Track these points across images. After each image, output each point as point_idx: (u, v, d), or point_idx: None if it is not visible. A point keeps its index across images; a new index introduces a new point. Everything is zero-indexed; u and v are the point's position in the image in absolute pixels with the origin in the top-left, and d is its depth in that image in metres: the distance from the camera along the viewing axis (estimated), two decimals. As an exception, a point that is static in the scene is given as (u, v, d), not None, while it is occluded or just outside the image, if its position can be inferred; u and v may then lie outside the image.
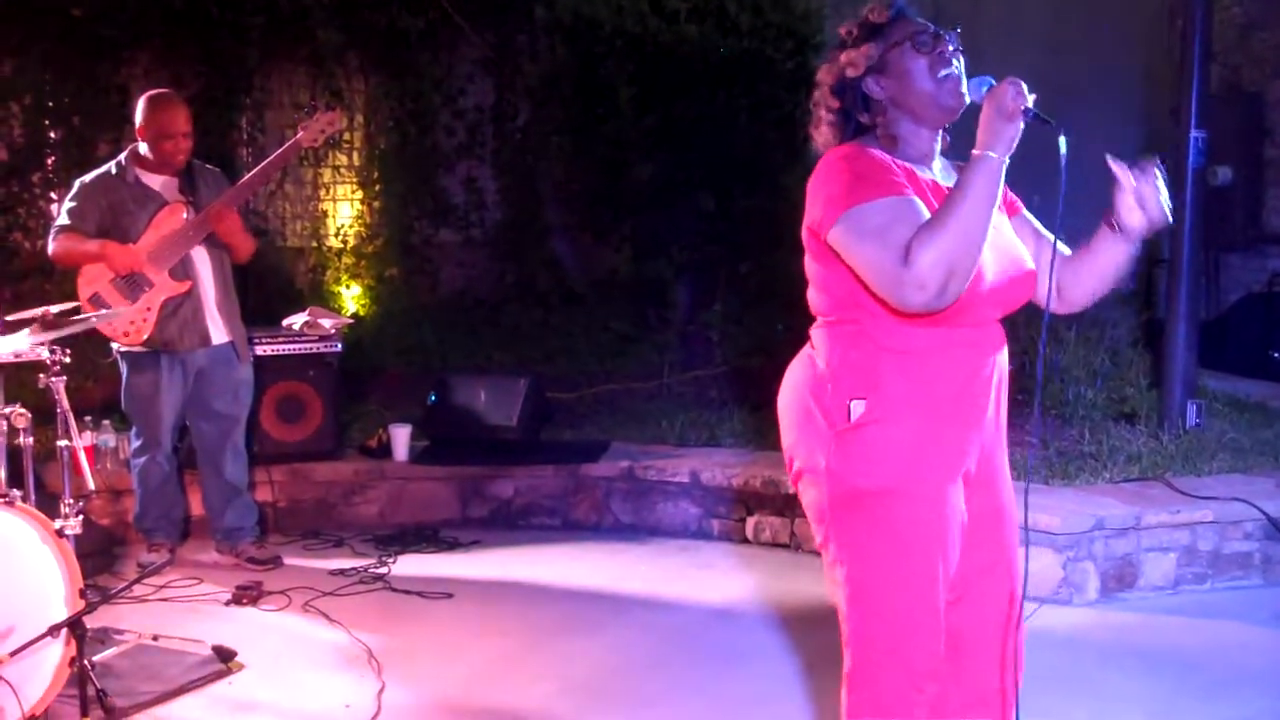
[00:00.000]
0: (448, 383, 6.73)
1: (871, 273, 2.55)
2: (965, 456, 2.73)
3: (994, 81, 2.60)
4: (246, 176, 5.68)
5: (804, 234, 2.73)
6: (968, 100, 2.65)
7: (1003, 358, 2.78)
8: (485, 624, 5.05)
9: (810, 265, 2.76)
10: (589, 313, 8.75)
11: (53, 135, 8.99)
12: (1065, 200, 2.63)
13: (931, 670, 2.71)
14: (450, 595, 5.37)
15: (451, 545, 6.08)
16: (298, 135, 5.54)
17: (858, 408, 2.65)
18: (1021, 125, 2.53)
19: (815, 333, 2.80)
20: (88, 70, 8.69)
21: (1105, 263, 2.85)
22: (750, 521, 6.10)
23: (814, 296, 2.79)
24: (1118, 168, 2.74)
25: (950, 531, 2.70)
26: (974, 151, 2.53)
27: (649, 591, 5.46)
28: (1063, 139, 2.57)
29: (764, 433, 6.60)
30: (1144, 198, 2.73)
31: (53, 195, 8.96)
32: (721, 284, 8.41)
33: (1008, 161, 2.52)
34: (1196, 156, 6.27)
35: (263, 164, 5.69)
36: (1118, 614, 5.09)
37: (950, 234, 2.45)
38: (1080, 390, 6.72)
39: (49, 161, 8.95)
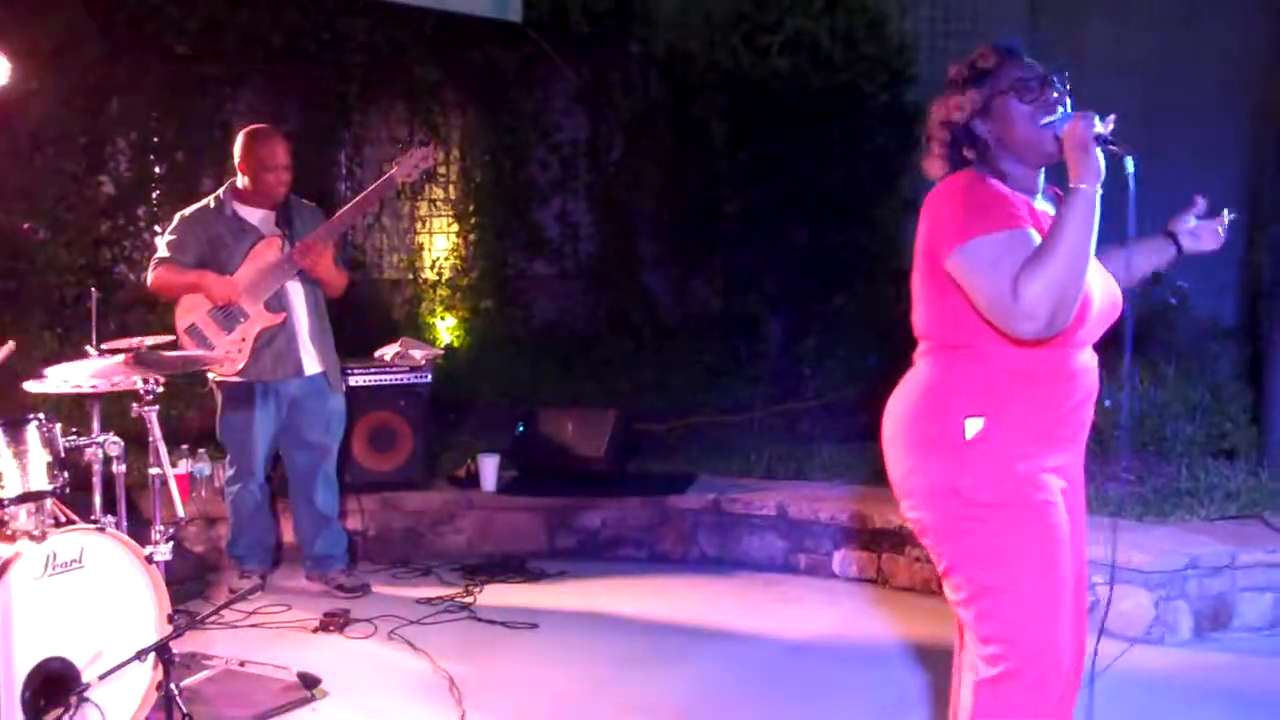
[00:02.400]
0: (536, 414, 6.78)
1: (986, 303, 2.68)
2: (1070, 469, 2.91)
3: (1072, 115, 2.70)
4: (340, 211, 5.77)
5: (918, 258, 2.85)
6: (1060, 133, 2.73)
7: (1096, 379, 2.91)
8: (568, 655, 5.05)
9: (922, 288, 2.88)
10: (680, 346, 8.77)
11: (157, 170, 9.22)
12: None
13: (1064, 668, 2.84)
14: (535, 625, 5.38)
15: (537, 576, 6.10)
16: (391, 171, 5.62)
17: (974, 425, 2.77)
18: (1100, 154, 2.62)
19: (924, 357, 2.92)
20: (191, 107, 8.89)
21: (1145, 264, 3.18)
22: (837, 556, 6.06)
23: (924, 319, 2.90)
24: (1198, 210, 3.11)
25: (1066, 538, 2.83)
26: (1070, 185, 2.64)
27: (733, 625, 5.44)
28: (1130, 160, 2.68)
29: (853, 466, 6.56)
30: (1208, 238, 3.12)
31: (156, 229, 9.16)
32: (814, 318, 8.37)
33: (1100, 190, 2.61)
34: (1301, 190, 6.14)
35: (357, 199, 5.79)
36: (1211, 655, 4.96)
37: (1055, 266, 2.57)
38: (1179, 426, 6.57)
39: (153, 195, 9.16)
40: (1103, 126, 2.64)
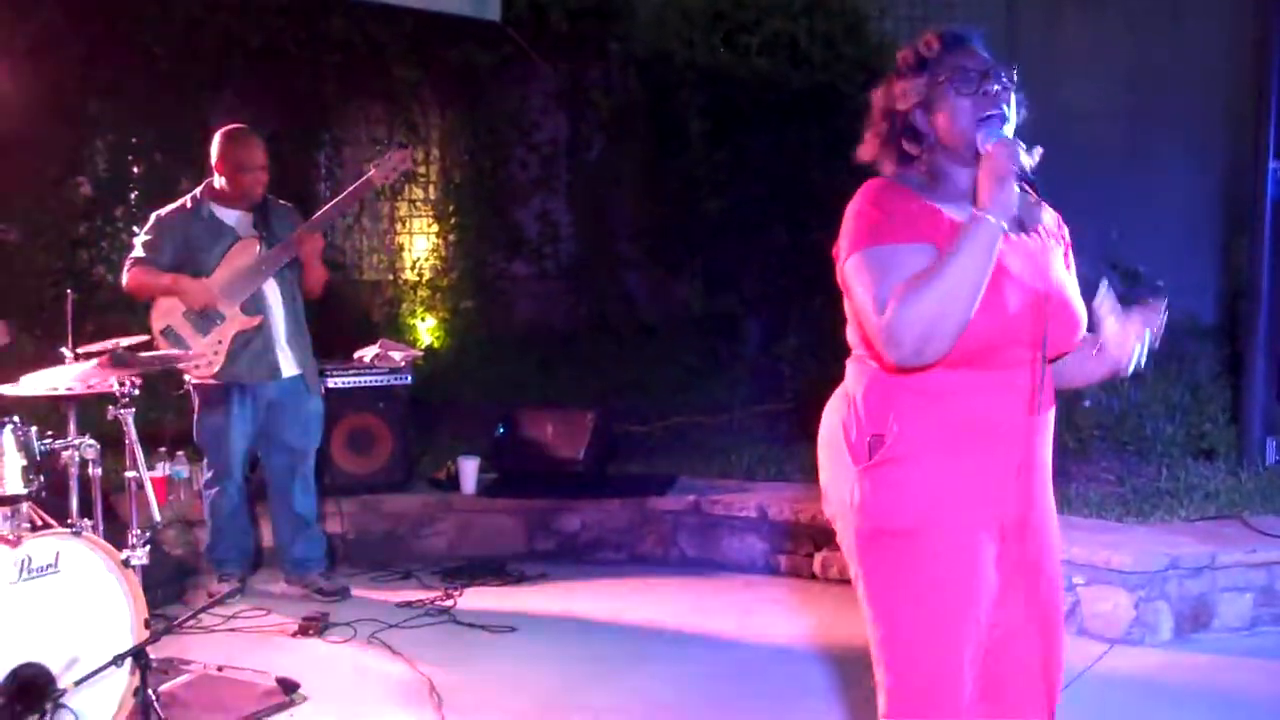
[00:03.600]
0: (516, 415, 6.76)
1: (862, 317, 2.52)
2: (994, 505, 2.60)
3: (1002, 137, 2.50)
4: (320, 211, 5.73)
5: None
6: (983, 149, 2.51)
7: (1044, 403, 2.60)
8: (548, 658, 5.03)
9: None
10: (660, 346, 8.76)
11: (135, 171, 9.17)
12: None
13: (958, 716, 2.60)
14: (514, 629, 5.37)
15: (518, 578, 6.08)
16: (370, 173, 5.59)
17: (875, 443, 2.58)
18: (1016, 189, 2.45)
19: (848, 365, 2.74)
20: (170, 108, 8.84)
21: (1077, 370, 2.76)
22: (818, 558, 6.05)
23: (849, 328, 2.72)
24: (1106, 298, 2.64)
25: (979, 579, 2.59)
26: (975, 209, 2.45)
27: (714, 627, 5.43)
28: (1049, 212, 2.60)
29: (833, 468, 6.55)
30: (1119, 340, 2.63)
31: (134, 229, 9.10)
32: (793, 318, 8.37)
33: (1005, 226, 2.43)
34: (1275, 187, 6.15)
35: (336, 200, 5.77)
36: (1192, 655, 4.96)
37: (931, 295, 2.37)
38: (1159, 425, 6.60)
39: (131, 197, 9.11)
40: (1028, 159, 2.47)
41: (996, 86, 2.56)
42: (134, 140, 9.14)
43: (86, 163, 9.09)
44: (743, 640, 5.25)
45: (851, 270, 2.53)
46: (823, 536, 5.99)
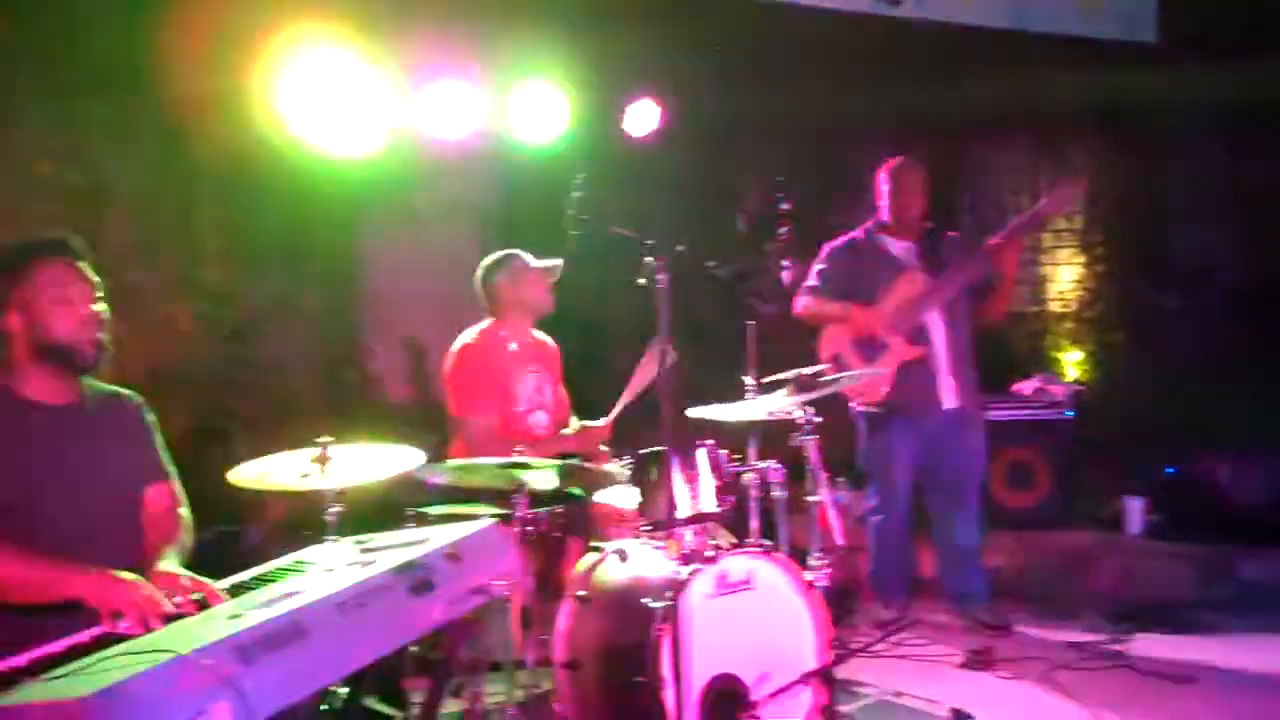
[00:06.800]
0: (1187, 455, 6.37)
1: None
2: None
3: None
4: (1005, 229, 5.59)
5: None
6: None
7: None
8: (1230, 713, 4.65)
9: None
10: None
11: (785, 207, 9.51)
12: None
13: None
14: (1194, 679, 5.01)
15: (1191, 626, 5.69)
16: (1041, 204, 5.45)
17: None
18: None
19: None
20: (818, 143, 9.11)
21: None
22: None
23: None
24: None
25: None
26: None
27: None
28: None
29: None
30: None
31: (784, 263, 9.46)
32: None
33: None
34: None
35: (1016, 222, 5.59)
36: None
37: None
38: None
39: (780, 231, 9.45)
40: None
41: None
42: (781, 178, 9.49)
43: (740, 200, 9.55)
44: None
45: None
46: None
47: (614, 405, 5.09)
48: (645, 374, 4.91)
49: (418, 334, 8.53)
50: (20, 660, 2.59)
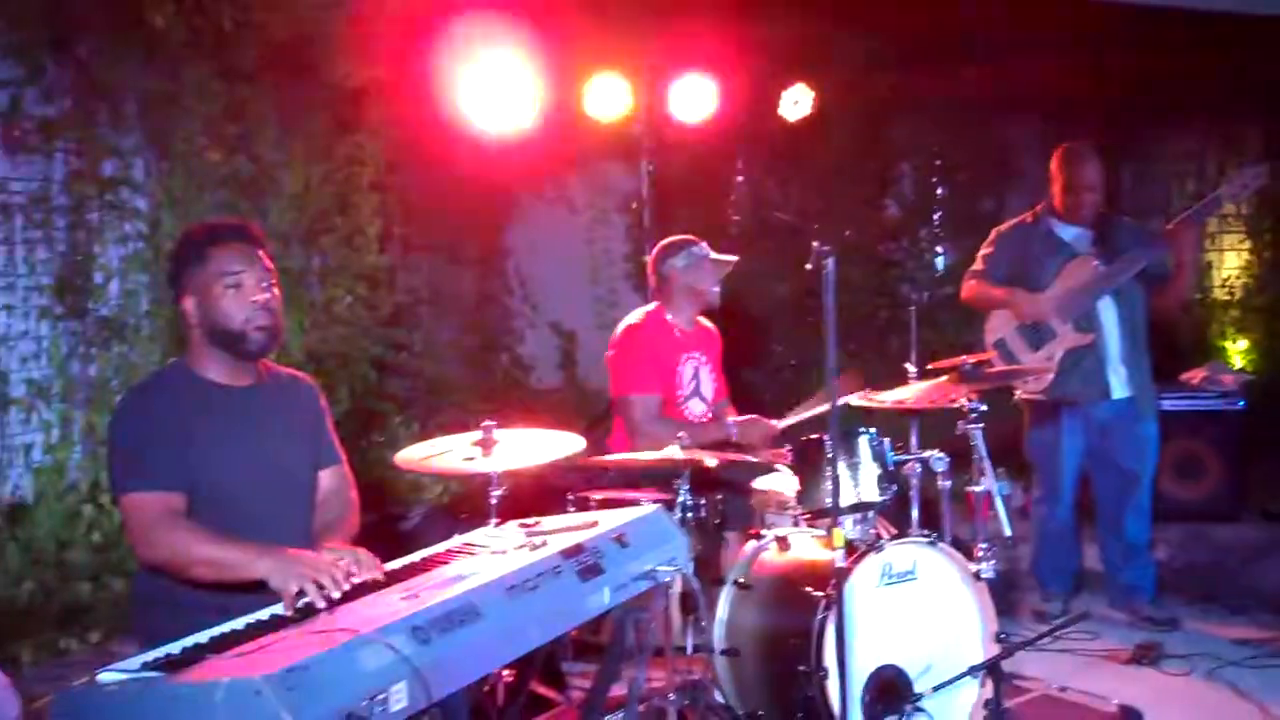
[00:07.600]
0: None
1: None
2: None
3: None
4: (1180, 217, 5.45)
5: None
6: None
7: None
8: None
9: None
10: None
11: (939, 193, 9.39)
12: None
13: None
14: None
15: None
16: (1219, 191, 5.27)
17: None
18: None
19: None
20: (975, 131, 8.96)
21: None
22: None
23: None
24: None
25: None
26: None
27: None
28: None
29: None
30: None
31: (938, 249, 9.36)
32: None
33: None
34: None
35: (1191, 209, 5.40)
36: None
37: None
38: None
39: (935, 217, 9.34)
40: None
41: None
42: (937, 163, 9.38)
43: (893, 185, 9.44)
44: None
45: None
46: None
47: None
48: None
49: (566, 321, 8.61)
50: (203, 638, 2.64)
